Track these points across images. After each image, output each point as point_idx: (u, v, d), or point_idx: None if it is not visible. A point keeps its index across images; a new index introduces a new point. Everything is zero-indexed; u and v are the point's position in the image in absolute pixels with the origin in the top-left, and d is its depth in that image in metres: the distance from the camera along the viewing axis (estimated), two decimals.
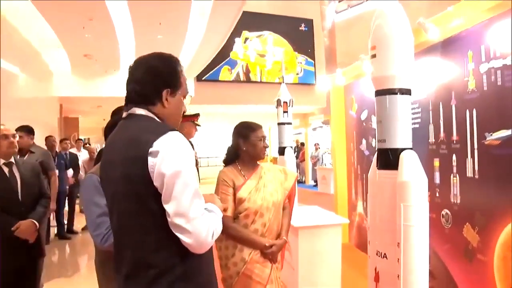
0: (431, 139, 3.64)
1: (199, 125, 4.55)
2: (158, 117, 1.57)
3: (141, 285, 1.48)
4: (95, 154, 8.39)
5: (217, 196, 2.11)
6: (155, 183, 1.41)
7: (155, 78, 1.57)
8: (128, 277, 1.51)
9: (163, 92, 1.57)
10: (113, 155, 1.56)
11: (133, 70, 1.60)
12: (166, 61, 1.62)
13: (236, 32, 12.95)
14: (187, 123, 4.50)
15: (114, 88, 11.43)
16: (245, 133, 2.58)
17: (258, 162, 2.68)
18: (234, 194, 2.52)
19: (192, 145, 4.69)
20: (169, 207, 1.41)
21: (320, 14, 15.02)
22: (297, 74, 15.88)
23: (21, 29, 7.44)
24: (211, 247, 1.54)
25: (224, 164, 2.70)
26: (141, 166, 1.42)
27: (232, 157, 2.66)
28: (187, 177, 1.42)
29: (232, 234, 2.48)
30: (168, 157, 1.41)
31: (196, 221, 1.41)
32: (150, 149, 1.42)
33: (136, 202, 1.47)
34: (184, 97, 1.67)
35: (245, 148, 2.58)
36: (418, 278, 2.07)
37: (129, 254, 1.51)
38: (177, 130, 1.51)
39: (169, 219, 1.41)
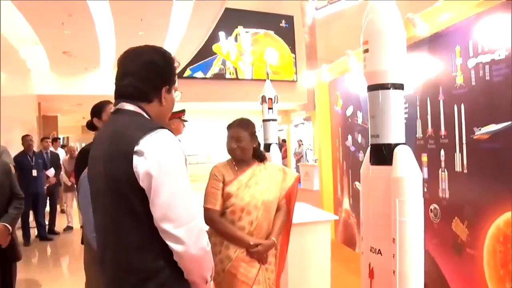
0: (419, 134, 3.66)
1: (186, 121, 4.51)
2: (148, 114, 1.49)
3: None
4: (75, 152, 8.24)
5: None
6: (141, 184, 1.33)
7: (156, 74, 1.51)
8: (112, 279, 1.45)
9: (163, 89, 1.52)
10: (97, 151, 1.51)
11: (127, 63, 1.51)
12: (164, 56, 1.55)
13: (225, 27, 12.94)
14: (175, 120, 4.44)
15: (94, 86, 11.26)
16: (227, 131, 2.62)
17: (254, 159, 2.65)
18: (223, 189, 2.50)
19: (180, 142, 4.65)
20: (156, 211, 1.33)
21: (301, 11, 15.06)
22: (293, 80, 15.93)
23: None
24: None
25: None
26: (124, 164, 1.34)
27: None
28: (176, 180, 1.36)
29: (217, 228, 2.47)
30: (156, 157, 1.34)
31: (186, 227, 1.34)
32: (136, 147, 1.34)
33: (117, 200, 1.39)
34: (175, 92, 1.63)
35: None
36: (413, 273, 2.06)
37: (111, 255, 1.45)
38: (166, 128, 1.43)
39: (156, 224, 1.34)
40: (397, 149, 2.15)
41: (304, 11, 14.93)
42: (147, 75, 1.49)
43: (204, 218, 2.51)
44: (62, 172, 8.07)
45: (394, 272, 2.08)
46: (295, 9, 16.00)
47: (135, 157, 1.33)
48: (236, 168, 2.57)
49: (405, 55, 2.23)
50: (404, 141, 2.21)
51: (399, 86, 2.23)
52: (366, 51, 2.25)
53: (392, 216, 2.10)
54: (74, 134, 22.07)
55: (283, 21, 17.00)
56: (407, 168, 2.10)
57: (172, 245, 1.34)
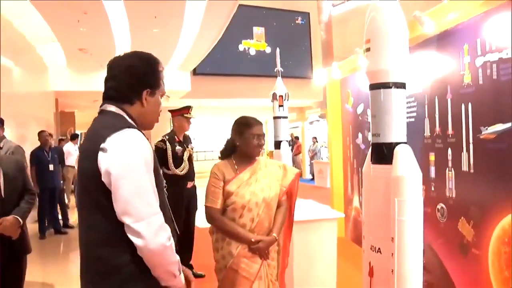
0: (427, 133, 3.63)
1: (191, 117, 4.52)
2: (132, 116, 1.59)
3: (91, 283, 1.50)
4: None
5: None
6: (103, 179, 1.41)
7: (136, 78, 1.59)
8: (82, 272, 1.55)
9: (144, 92, 1.60)
10: (80, 149, 1.63)
11: (112, 68, 1.62)
12: (147, 61, 1.64)
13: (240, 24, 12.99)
14: (177, 117, 4.49)
15: None
16: (241, 128, 2.57)
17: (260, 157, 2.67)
18: (224, 188, 2.52)
19: (189, 139, 4.64)
20: (116, 206, 1.40)
21: (317, 8, 15.00)
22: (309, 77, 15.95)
23: (15, 22, 7.38)
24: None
25: (219, 156, 2.71)
26: (92, 161, 1.42)
27: (229, 151, 2.66)
28: (135, 176, 1.41)
29: (219, 226, 2.52)
30: (116, 154, 1.41)
31: (146, 221, 1.40)
32: (102, 144, 1.42)
33: (86, 196, 1.49)
34: (162, 96, 1.70)
35: (239, 143, 2.58)
36: (412, 272, 2.06)
37: (82, 250, 1.54)
38: (136, 128, 1.52)
39: (119, 218, 1.40)
40: (397, 148, 2.14)
41: (320, 8, 14.87)
42: (127, 79, 1.58)
43: (206, 216, 2.57)
44: (76, 167, 8.18)
45: (392, 271, 2.09)
46: (311, 6, 15.95)
47: (100, 153, 1.41)
48: (236, 166, 2.58)
49: (408, 54, 2.22)
50: (405, 140, 2.21)
51: (401, 85, 2.22)
52: (368, 49, 2.25)
53: (391, 215, 2.10)
54: None
55: (299, 18, 16.96)
56: (407, 167, 2.10)
57: (132, 239, 1.39)
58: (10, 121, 6.26)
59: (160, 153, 4.35)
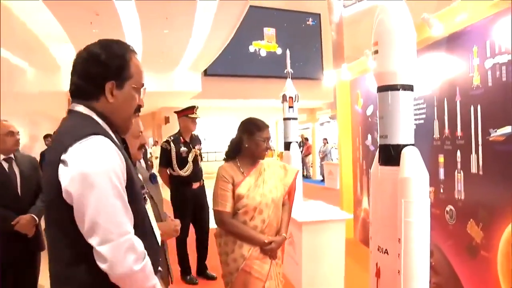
0: (436, 135, 3.63)
1: (196, 118, 4.48)
2: (102, 114, 1.38)
3: None
4: None
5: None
6: (64, 195, 1.23)
7: (96, 69, 1.35)
8: None
9: (106, 85, 1.36)
10: None
11: (74, 60, 1.40)
12: (111, 48, 1.38)
13: (251, 25, 13.01)
14: (182, 118, 4.47)
15: None
16: (251, 130, 2.55)
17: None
18: (233, 191, 2.51)
19: (198, 139, 4.63)
20: (81, 227, 1.23)
21: (328, 8, 14.98)
22: (319, 79, 16.11)
23: (28, 23, 7.48)
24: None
25: (225, 157, 2.68)
26: (53, 172, 1.25)
27: (234, 152, 2.63)
28: (99, 193, 1.22)
29: (231, 230, 2.50)
30: (77, 169, 1.22)
31: (112, 244, 1.22)
32: (63, 155, 1.23)
33: (51, 209, 1.33)
34: (138, 89, 1.44)
35: (247, 145, 2.55)
36: (418, 273, 2.07)
37: (50, 267, 1.36)
38: (104, 133, 1.31)
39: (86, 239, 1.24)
40: (405, 150, 2.16)
41: (331, 9, 14.86)
42: (86, 71, 1.36)
43: (215, 220, 2.57)
44: None
45: (399, 272, 2.10)
46: (322, 7, 15.93)
47: (60, 166, 1.24)
48: (242, 169, 2.58)
49: (415, 57, 2.23)
50: (413, 142, 2.22)
51: (409, 88, 2.23)
52: (376, 52, 2.27)
53: (398, 216, 2.12)
54: None
55: (310, 19, 16.95)
56: (414, 169, 2.11)
57: (98, 262, 1.23)
58: (22, 121, 6.35)
59: (164, 154, 4.41)
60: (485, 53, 3.00)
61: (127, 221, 1.27)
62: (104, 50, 1.36)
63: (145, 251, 1.31)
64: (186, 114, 4.45)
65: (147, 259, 1.32)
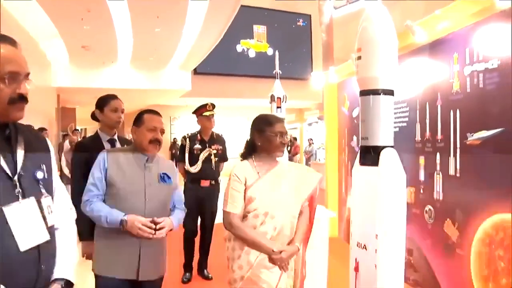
0: (418, 137, 3.77)
1: (211, 114, 4.51)
2: None
3: None
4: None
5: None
6: None
7: None
8: None
9: None
10: None
11: None
12: None
13: (241, 25, 13.12)
14: (199, 118, 4.51)
15: (112, 79, 11.53)
16: (261, 127, 2.40)
17: (277, 159, 2.46)
18: (245, 192, 2.33)
19: (219, 139, 4.65)
20: None
21: (318, 10, 15.10)
22: (308, 79, 16.15)
23: (20, 19, 7.49)
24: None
25: (240, 158, 2.51)
26: None
27: (248, 152, 2.47)
28: None
29: (238, 234, 2.30)
30: None
31: None
32: None
33: None
34: (4, 80, 1.37)
35: (259, 143, 2.39)
36: (393, 268, 2.19)
37: None
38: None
39: None
40: (384, 152, 2.27)
41: (321, 10, 14.96)
42: None
43: (224, 222, 2.38)
44: (63, 164, 8.13)
45: (375, 266, 2.22)
46: (313, 9, 16.06)
47: None
48: (258, 169, 2.39)
49: (396, 63, 2.35)
50: (392, 144, 2.34)
51: (389, 92, 2.35)
52: (359, 58, 2.38)
53: (376, 214, 2.24)
54: (91, 126, 22.46)
55: (301, 20, 17.08)
56: (392, 169, 2.23)
57: None
58: None
59: (181, 149, 4.57)
60: (464, 60, 3.14)
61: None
62: None
63: None
64: (201, 113, 4.48)
65: None
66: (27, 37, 8.45)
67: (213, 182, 4.54)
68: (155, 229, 2.24)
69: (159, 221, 2.26)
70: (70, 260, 1.55)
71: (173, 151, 16.70)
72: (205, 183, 4.48)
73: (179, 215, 2.51)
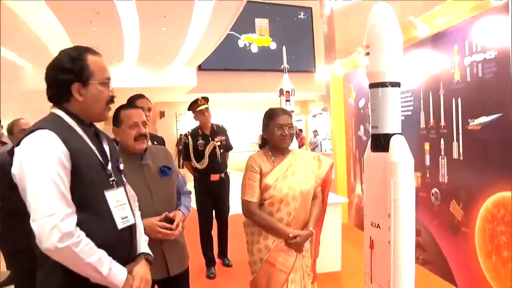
0: (422, 125, 4.00)
1: (204, 108, 4.48)
2: (75, 113, 1.58)
3: (37, 267, 1.55)
4: None
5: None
6: (13, 178, 1.46)
7: (60, 75, 1.55)
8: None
9: (72, 87, 1.55)
10: None
11: (45, 73, 1.60)
12: (69, 55, 1.57)
13: (243, 19, 13.28)
14: (195, 113, 4.52)
15: (118, 79, 11.69)
16: (265, 121, 2.58)
17: (290, 148, 2.63)
18: (261, 180, 2.50)
19: (220, 130, 4.71)
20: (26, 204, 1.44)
21: (319, 2, 15.25)
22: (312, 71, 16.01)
23: (31, 24, 7.65)
24: None
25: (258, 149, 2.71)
26: (10, 163, 1.48)
27: (263, 143, 2.65)
28: (35, 176, 1.40)
29: (256, 220, 2.49)
30: (20, 156, 1.45)
31: (38, 222, 1.39)
32: (16, 148, 1.48)
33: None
34: (103, 83, 1.61)
35: (265, 136, 2.59)
36: (406, 243, 2.43)
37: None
38: (47, 129, 1.47)
39: None
40: (393, 138, 2.49)
41: (322, 2, 15.12)
42: (53, 78, 1.56)
43: (242, 210, 2.55)
44: None
45: (389, 242, 2.46)
46: (314, 2, 16.19)
47: (14, 157, 1.47)
48: (273, 158, 2.56)
49: (402, 57, 2.57)
50: (400, 131, 2.56)
51: (396, 84, 2.56)
52: (367, 54, 2.60)
53: (388, 195, 2.47)
54: (101, 125, 22.68)
55: (302, 13, 17.21)
56: (401, 154, 2.46)
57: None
58: (25, 117, 6.59)
59: (184, 147, 4.57)
60: (464, 51, 3.36)
61: (58, 203, 1.41)
62: (65, 56, 1.56)
63: (75, 232, 1.42)
64: (194, 109, 4.51)
65: (80, 239, 1.42)
66: (37, 39, 8.63)
67: (222, 175, 4.60)
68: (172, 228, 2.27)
69: (173, 218, 2.29)
70: (145, 238, 1.83)
71: (180, 147, 16.92)
72: (214, 177, 4.54)
73: (186, 202, 2.52)
